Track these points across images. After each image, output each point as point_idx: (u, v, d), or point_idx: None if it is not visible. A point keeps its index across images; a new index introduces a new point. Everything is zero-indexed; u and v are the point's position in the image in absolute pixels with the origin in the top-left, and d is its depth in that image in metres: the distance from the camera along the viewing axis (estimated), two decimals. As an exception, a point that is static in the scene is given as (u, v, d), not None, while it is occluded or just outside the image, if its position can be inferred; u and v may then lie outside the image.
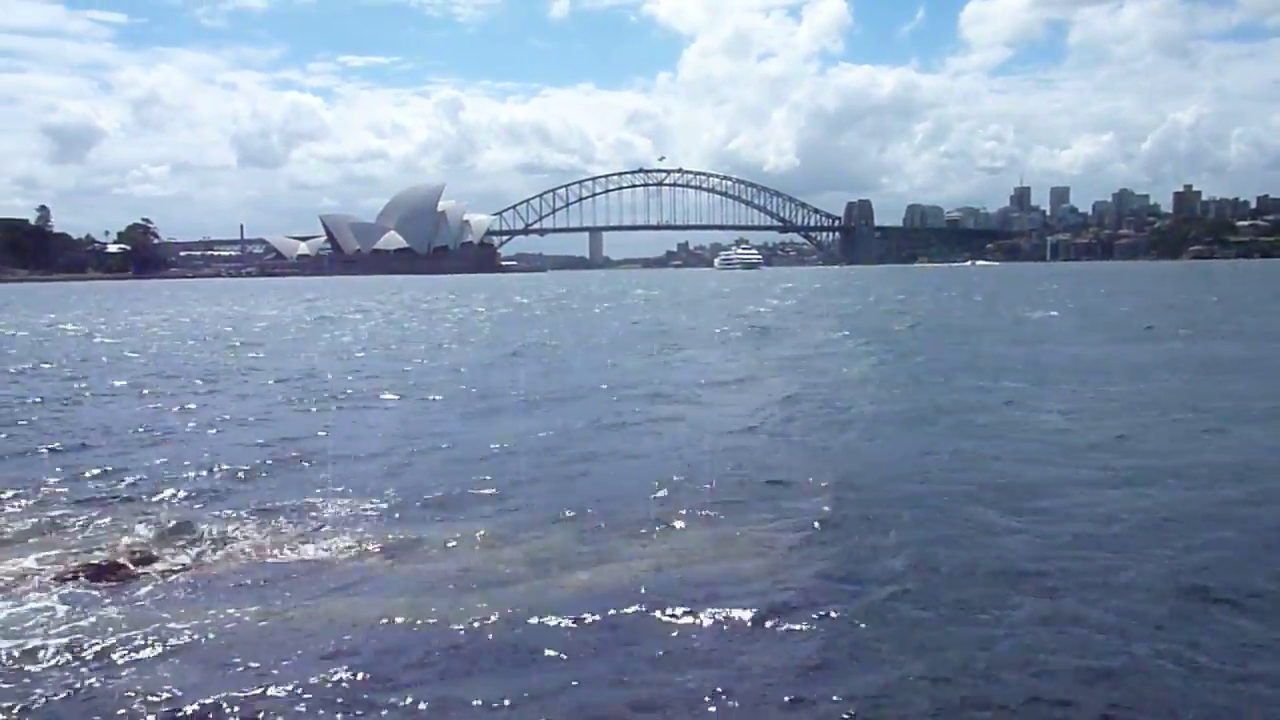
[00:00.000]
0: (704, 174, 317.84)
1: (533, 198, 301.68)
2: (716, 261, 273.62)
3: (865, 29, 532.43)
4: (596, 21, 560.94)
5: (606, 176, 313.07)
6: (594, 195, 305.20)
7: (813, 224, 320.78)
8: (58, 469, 12.11)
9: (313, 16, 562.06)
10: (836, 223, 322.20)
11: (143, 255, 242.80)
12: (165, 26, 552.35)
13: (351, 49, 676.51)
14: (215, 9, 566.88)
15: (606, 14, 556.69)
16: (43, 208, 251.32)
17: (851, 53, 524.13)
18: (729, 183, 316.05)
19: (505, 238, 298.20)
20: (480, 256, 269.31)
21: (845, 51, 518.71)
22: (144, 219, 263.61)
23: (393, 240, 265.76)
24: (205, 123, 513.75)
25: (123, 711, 5.56)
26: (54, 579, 7.76)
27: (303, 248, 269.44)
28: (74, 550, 8.46)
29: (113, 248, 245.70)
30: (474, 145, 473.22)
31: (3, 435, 15.04)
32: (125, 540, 8.83)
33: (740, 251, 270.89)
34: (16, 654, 6.33)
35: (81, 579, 7.74)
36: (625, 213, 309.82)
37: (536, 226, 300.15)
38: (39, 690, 5.81)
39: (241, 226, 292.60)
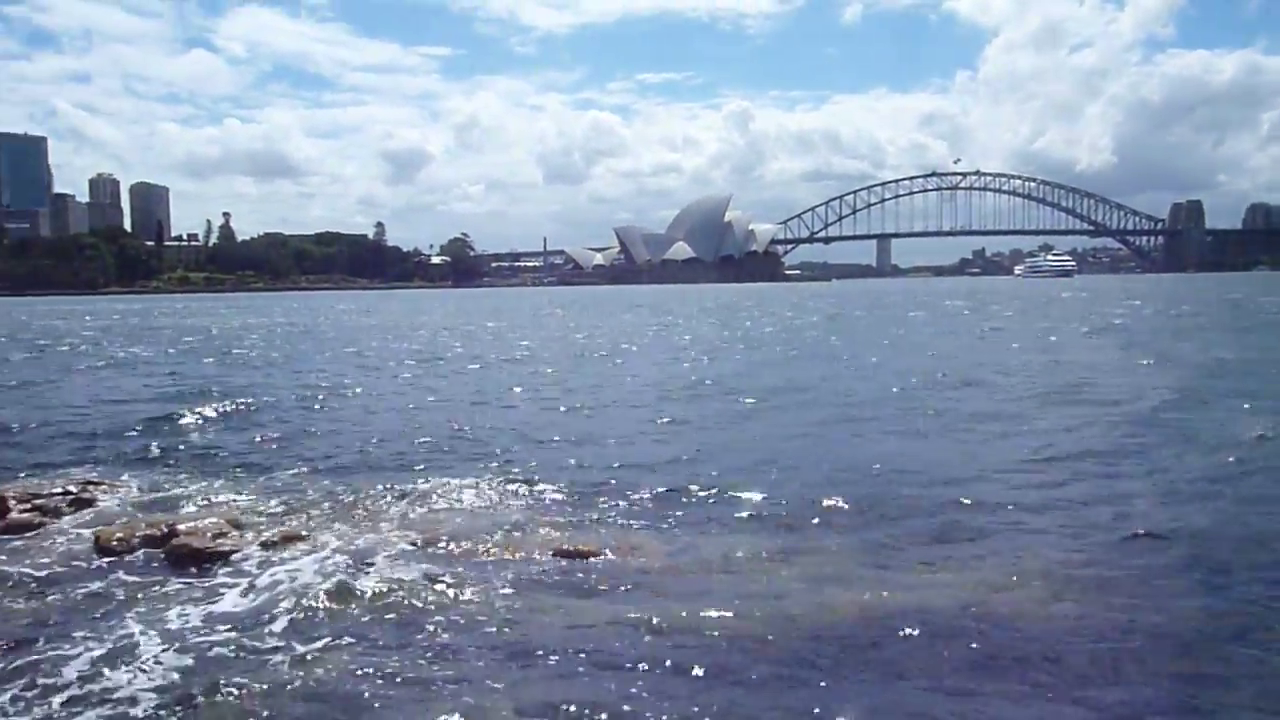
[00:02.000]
0: (1004, 175, 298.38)
1: (818, 205, 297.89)
2: (1018, 269, 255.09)
3: (1199, 11, 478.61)
4: (892, 23, 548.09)
5: (897, 181, 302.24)
6: (883, 201, 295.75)
7: (1130, 227, 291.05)
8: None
9: (612, 38, 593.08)
10: (1159, 225, 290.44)
11: (460, 266, 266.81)
12: (483, 56, 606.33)
13: (648, 67, 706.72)
14: (526, 37, 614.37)
15: (903, 15, 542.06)
16: (379, 224, 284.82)
17: (1183, 38, 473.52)
18: (1032, 184, 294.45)
19: (790, 246, 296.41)
20: (764, 265, 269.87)
21: (1175, 37, 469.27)
22: (462, 233, 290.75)
23: (681, 250, 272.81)
24: (516, 143, 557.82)
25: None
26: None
27: (598, 258, 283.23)
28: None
29: (436, 259, 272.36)
30: (762, 155, 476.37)
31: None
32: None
33: (1051, 258, 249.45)
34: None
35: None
36: (916, 219, 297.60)
37: (822, 234, 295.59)
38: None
39: (545, 239, 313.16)
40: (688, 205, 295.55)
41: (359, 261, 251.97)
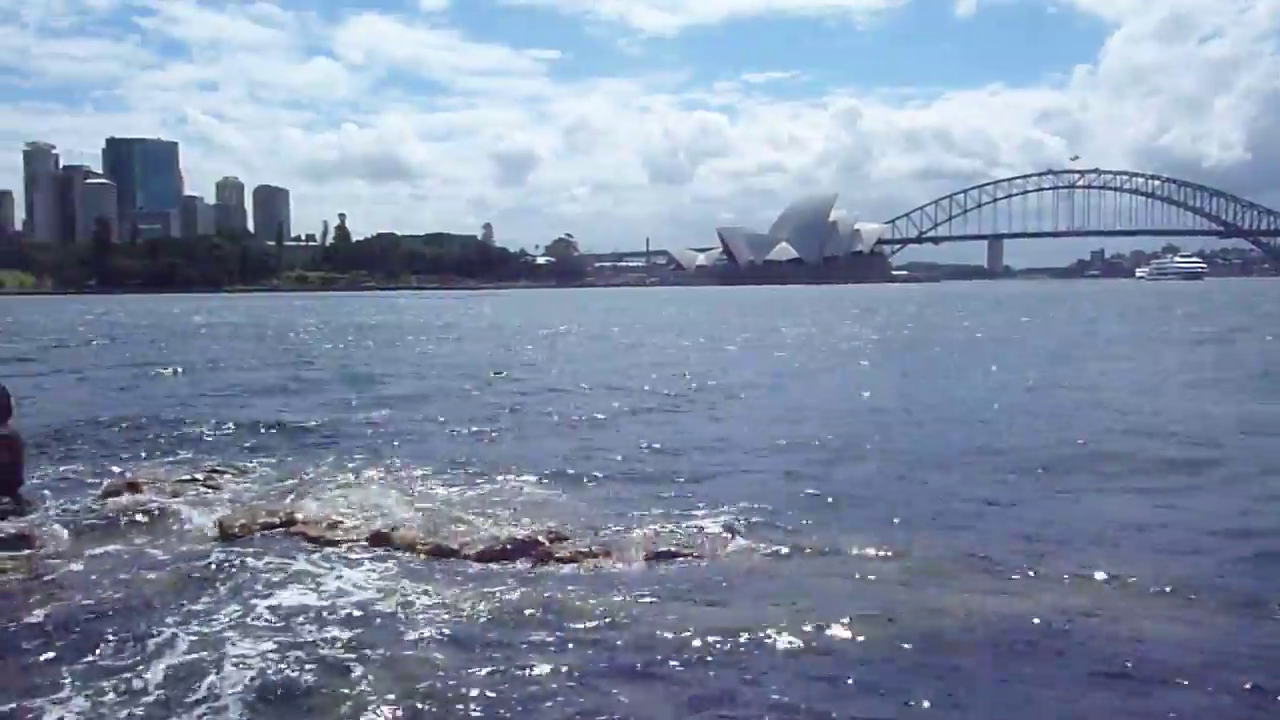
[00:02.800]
0: (1125, 173, 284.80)
1: (927, 204, 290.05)
2: (1141, 271, 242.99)
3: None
4: (1007, 17, 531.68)
5: (1010, 180, 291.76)
6: (995, 200, 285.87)
7: (1263, 227, 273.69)
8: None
9: (718, 38, 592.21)
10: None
11: (564, 266, 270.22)
12: (592, 59, 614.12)
13: (753, 66, 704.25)
14: (634, 38, 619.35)
15: (1020, 7, 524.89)
16: (487, 225, 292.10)
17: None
18: (1156, 183, 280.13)
19: (897, 247, 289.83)
20: (870, 266, 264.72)
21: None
22: (567, 234, 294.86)
23: (784, 251, 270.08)
24: (622, 145, 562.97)
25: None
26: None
27: (701, 259, 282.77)
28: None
29: (541, 260, 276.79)
30: (869, 153, 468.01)
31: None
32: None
33: (1179, 259, 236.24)
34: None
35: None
36: (1030, 218, 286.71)
37: (931, 234, 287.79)
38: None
39: (647, 239, 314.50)
40: (791, 205, 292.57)
41: (467, 262, 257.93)
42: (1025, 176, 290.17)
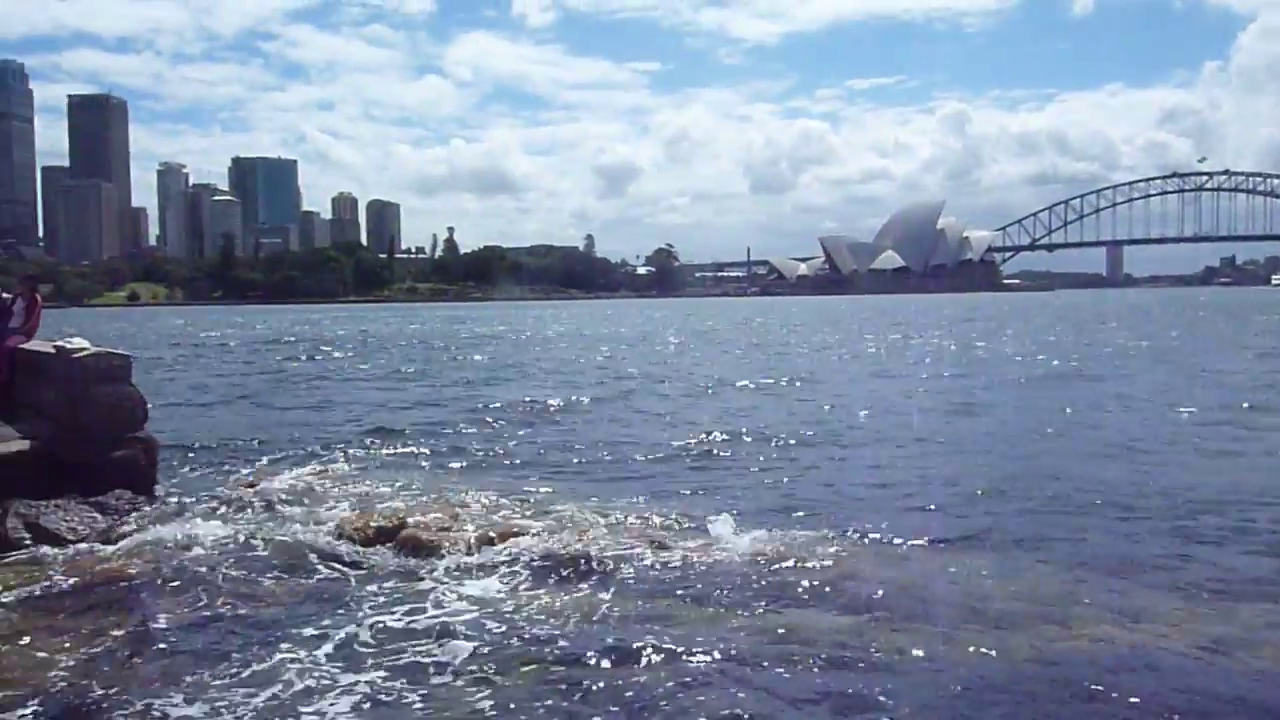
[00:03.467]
0: (1260, 175, 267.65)
1: (1041, 210, 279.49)
2: (1277, 278, 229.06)
3: None
4: (1128, 15, 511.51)
5: (1131, 184, 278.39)
6: (1114, 205, 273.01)
7: None
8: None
9: (821, 45, 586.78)
10: None
11: (665, 277, 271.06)
12: (693, 69, 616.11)
13: (857, 72, 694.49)
14: (735, 48, 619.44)
15: (1140, 4, 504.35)
16: (589, 237, 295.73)
17: None
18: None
19: (1008, 254, 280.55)
20: (979, 274, 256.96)
21: None
22: (667, 244, 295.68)
23: (889, 260, 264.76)
24: (723, 154, 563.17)
25: None
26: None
27: (802, 268, 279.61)
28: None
29: (641, 270, 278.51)
30: (979, 159, 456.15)
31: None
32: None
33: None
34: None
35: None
36: (1153, 224, 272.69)
37: (1044, 241, 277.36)
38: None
39: (748, 249, 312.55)
40: (897, 212, 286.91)
41: (569, 273, 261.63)
42: (1148, 180, 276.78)
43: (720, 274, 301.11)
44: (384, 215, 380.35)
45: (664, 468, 13.30)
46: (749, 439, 15.57)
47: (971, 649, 6.28)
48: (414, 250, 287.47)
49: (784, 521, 9.76)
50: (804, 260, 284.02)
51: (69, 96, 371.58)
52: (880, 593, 7.45)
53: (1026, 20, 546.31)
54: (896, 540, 9.01)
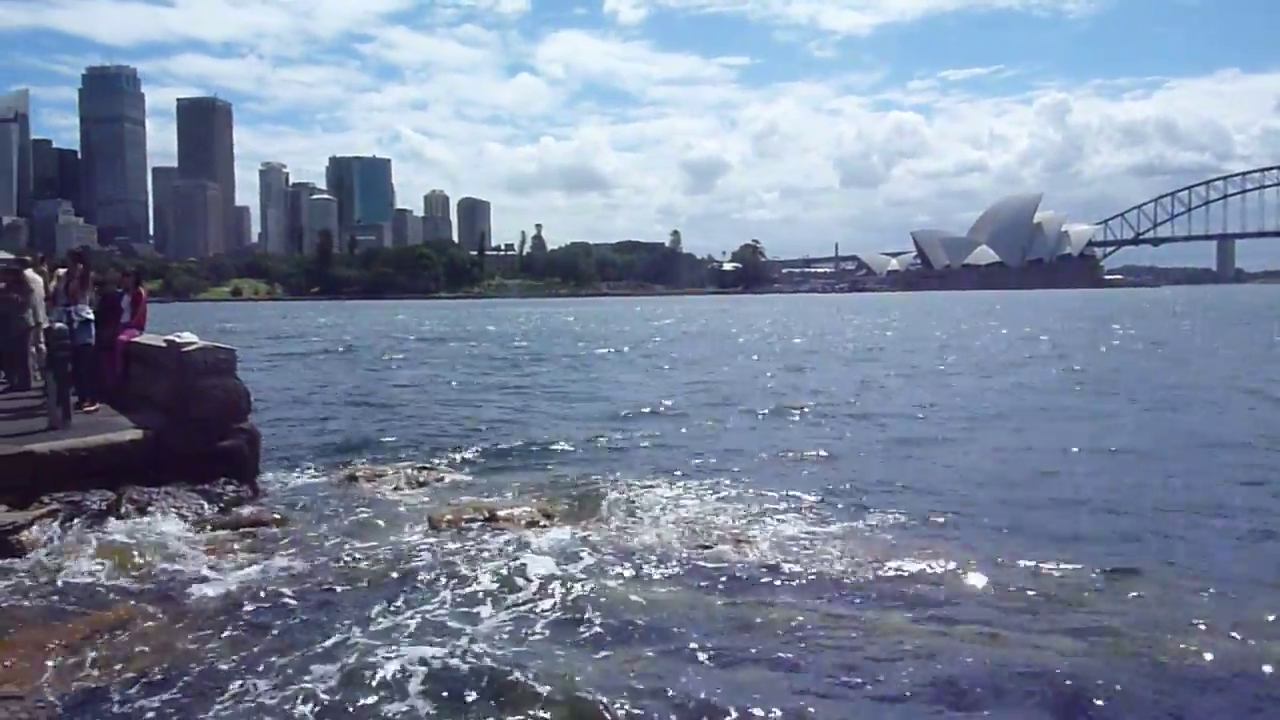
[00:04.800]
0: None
1: (1146, 203, 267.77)
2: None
3: None
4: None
5: (1245, 174, 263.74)
6: (1225, 197, 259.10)
7: None
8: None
9: (915, 35, 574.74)
10: None
11: (751, 273, 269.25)
12: (782, 63, 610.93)
13: (952, 63, 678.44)
14: (826, 40, 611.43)
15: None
16: (675, 233, 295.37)
17: None
18: None
19: (1109, 249, 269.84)
20: (1078, 270, 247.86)
21: None
22: (753, 240, 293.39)
23: (983, 254, 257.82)
24: (812, 149, 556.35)
25: None
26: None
27: (893, 263, 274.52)
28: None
29: (727, 266, 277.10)
30: (1080, 150, 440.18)
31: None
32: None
33: None
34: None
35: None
36: (1268, 216, 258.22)
37: (1149, 235, 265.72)
38: None
39: (836, 245, 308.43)
40: (992, 206, 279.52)
41: (655, 269, 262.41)
42: (1263, 170, 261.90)
43: (808, 269, 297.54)
44: (475, 213, 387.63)
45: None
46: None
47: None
48: (503, 247, 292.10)
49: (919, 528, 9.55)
50: (894, 255, 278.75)
51: (178, 100, 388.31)
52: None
53: (1132, 4, 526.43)
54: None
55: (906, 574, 7.85)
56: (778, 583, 7.67)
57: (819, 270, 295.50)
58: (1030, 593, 7.40)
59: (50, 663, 5.96)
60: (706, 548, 8.55)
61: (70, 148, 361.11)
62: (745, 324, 68.55)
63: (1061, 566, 7.99)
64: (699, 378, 26.77)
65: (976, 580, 7.72)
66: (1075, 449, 13.98)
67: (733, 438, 15.78)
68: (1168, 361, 30.63)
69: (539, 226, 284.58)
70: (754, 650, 6.26)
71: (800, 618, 6.81)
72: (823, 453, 13.90)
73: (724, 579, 7.74)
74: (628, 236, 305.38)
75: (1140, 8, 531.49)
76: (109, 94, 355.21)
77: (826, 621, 6.77)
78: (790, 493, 10.90)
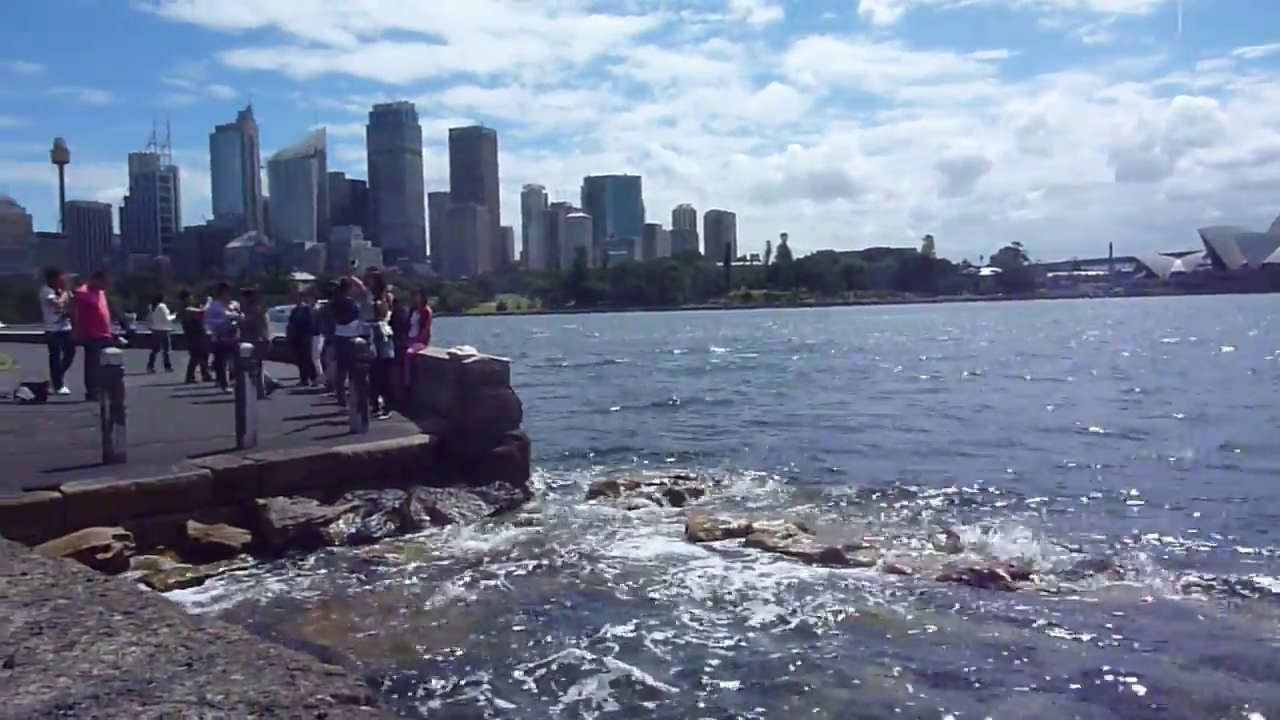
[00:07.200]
0: None
1: None
2: None
3: None
4: None
5: None
6: None
7: None
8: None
9: (1202, 10, 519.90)
10: None
11: (1012, 277, 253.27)
12: (1046, 53, 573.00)
13: (1248, 38, 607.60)
14: (1097, 25, 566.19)
15: None
16: (928, 237, 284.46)
17: None
18: None
19: None
20: None
21: None
22: (1014, 242, 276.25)
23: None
24: (1083, 142, 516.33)
25: None
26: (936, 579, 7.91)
27: (1178, 264, 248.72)
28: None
29: (985, 271, 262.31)
30: None
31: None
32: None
33: None
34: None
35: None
36: None
37: None
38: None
39: (1110, 245, 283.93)
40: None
41: (905, 275, 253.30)
42: None
43: (1077, 273, 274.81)
44: (720, 224, 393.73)
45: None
46: None
47: None
48: (749, 257, 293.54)
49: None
50: (1179, 256, 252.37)
51: (450, 130, 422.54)
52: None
53: None
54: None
55: None
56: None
57: (1089, 273, 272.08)
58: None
59: (364, 637, 6.66)
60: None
61: (360, 178, 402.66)
62: (1060, 338, 56.06)
63: None
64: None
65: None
66: None
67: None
68: None
69: (784, 235, 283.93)
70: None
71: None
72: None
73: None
74: (876, 243, 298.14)
75: None
76: (391, 128, 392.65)
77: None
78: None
